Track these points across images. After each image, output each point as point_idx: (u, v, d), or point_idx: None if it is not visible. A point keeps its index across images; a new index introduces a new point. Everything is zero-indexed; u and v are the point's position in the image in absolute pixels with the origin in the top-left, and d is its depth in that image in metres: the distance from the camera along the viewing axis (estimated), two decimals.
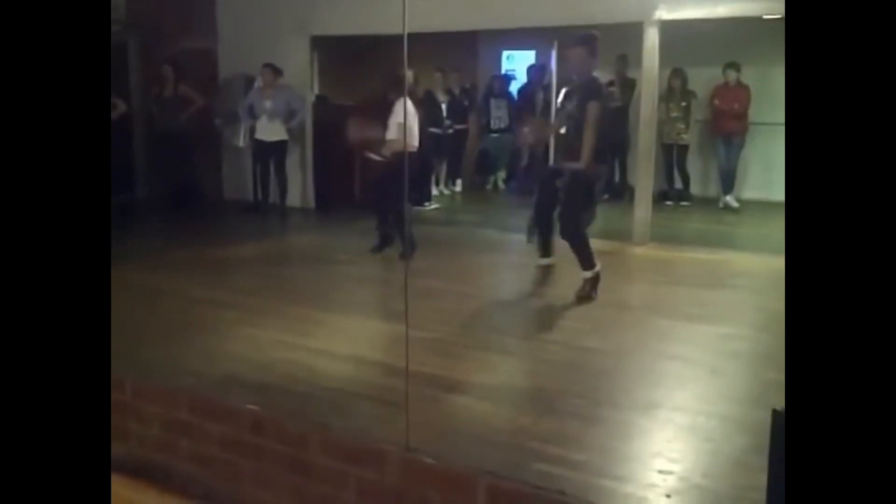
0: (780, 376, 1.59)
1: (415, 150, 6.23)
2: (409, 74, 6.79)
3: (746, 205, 8.73)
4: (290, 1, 8.19)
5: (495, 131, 10.20)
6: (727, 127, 8.71)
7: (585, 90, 4.99)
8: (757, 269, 5.89)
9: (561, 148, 5.26)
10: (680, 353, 4.02)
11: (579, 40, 5.00)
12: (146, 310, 4.70)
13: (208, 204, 8.78)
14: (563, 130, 5.20)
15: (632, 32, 6.66)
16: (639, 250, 6.61)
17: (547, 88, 9.89)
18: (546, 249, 5.52)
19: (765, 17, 6.56)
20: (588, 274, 4.98)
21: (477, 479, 2.69)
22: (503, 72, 11.24)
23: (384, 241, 6.24)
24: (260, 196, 8.34)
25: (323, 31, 8.35)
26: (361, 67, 9.34)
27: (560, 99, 5.34)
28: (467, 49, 11.01)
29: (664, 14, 6.48)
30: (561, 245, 5.23)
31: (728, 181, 8.82)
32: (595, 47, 5.02)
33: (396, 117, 6.02)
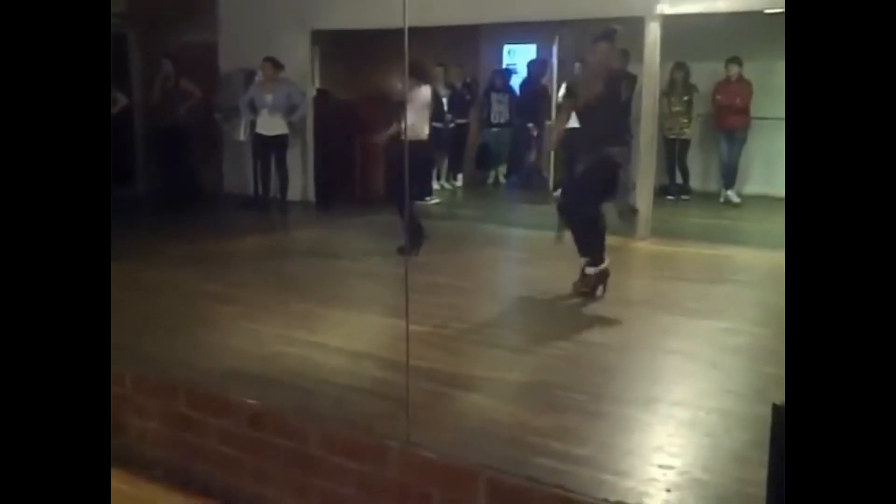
0: (781, 371, 1.58)
1: (426, 138, 6.23)
2: (439, 70, 6.89)
3: (748, 200, 8.72)
4: None
5: (495, 125, 10.19)
6: (729, 122, 8.69)
7: (611, 78, 4.95)
8: (758, 264, 5.88)
9: (583, 137, 5.09)
10: (681, 347, 4.02)
11: (603, 35, 4.99)
12: (146, 304, 4.70)
13: (208, 198, 8.78)
14: (573, 123, 5.20)
15: (633, 27, 6.64)
16: (639, 245, 6.61)
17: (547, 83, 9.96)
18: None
19: (766, 11, 6.55)
20: (592, 270, 4.86)
21: (477, 473, 2.69)
22: (504, 66, 11.23)
23: (416, 238, 6.24)
24: (260, 190, 8.33)
25: (324, 24, 8.33)
26: (362, 61, 9.32)
27: (562, 91, 5.31)
28: (469, 43, 10.99)
29: (666, 8, 6.47)
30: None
31: (729, 176, 8.81)
32: (612, 40, 5.01)
33: (418, 103, 5.99)
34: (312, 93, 8.84)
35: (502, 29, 10.05)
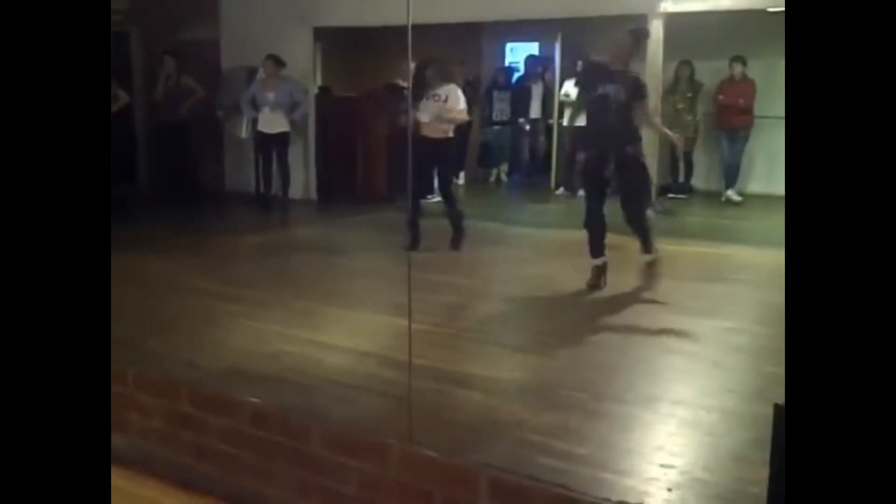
0: (782, 370, 1.58)
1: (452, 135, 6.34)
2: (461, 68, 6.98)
3: (750, 199, 8.71)
4: None
5: (497, 123, 10.18)
6: (731, 122, 8.66)
7: (629, 76, 4.98)
8: (759, 262, 5.87)
9: (602, 133, 5.05)
10: (682, 346, 4.01)
11: (629, 32, 5.08)
12: (147, 301, 4.70)
13: (210, 195, 8.77)
14: (583, 118, 5.23)
15: (637, 25, 6.63)
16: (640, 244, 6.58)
17: (549, 80, 9.96)
18: (599, 249, 5.12)
19: (769, 9, 6.54)
20: (649, 257, 5.09)
21: (479, 472, 2.69)
22: (507, 64, 11.22)
23: (458, 233, 6.30)
24: (262, 188, 8.33)
25: (326, 22, 8.33)
26: (364, 59, 9.33)
27: (572, 85, 5.32)
28: (471, 41, 10.99)
29: (669, 6, 6.46)
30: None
31: (731, 176, 8.79)
32: (640, 40, 5.17)
33: (454, 102, 6.13)
34: (314, 91, 8.84)
35: (505, 27, 10.05)
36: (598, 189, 5.09)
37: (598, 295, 4.94)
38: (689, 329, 4.30)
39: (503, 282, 5.72)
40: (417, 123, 6.07)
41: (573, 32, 8.66)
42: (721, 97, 8.65)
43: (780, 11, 1.66)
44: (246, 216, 8.06)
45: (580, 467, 2.72)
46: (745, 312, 4.63)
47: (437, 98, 6.12)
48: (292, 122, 8.19)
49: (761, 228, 7.29)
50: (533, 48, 11.09)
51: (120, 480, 2.96)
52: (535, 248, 6.69)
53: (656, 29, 6.55)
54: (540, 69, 10.29)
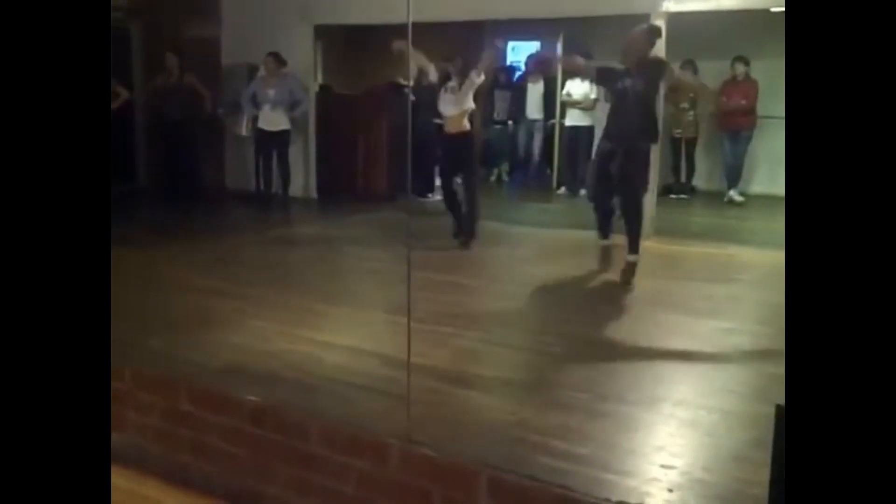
0: (783, 371, 1.57)
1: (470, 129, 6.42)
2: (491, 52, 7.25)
3: (753, 199, 8.70)
4: None
5: (498, 122, 10.17)
6: (734, 123, 8.64)
7: (649, 71, 5.13)
8: (761, 263, 5.86)
9: (618, 127, 5.23)
10: (683, 347, 4.00)
11: (643, 29, 5.28)
12: (146, 299, 4.69)
13: (210, 193, 8.76)
14: (590, 116, 5.35)
15: (638, 24, 6.61)
16: (642, 244, 6.57)
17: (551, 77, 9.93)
18: (605, 230, 5.65)
19: (772, 9, 6.53)
20: (633, 258, 5.12)
21: (479, 471, 2.68)
22: (509, 63, 11.21)
23: (469, 232, 6.29)
24: (262, 186, 8.32)
25: (327, 20, 8.32)
26: (365, 57, 9.31)
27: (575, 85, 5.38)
28: (473, 40, 10.96)
29: (671, 6, 6.44)
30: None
31: (733, 176, 8.77)
32: (654, 37, 5.33)
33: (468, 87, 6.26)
34: (315, 88, 8.82)
35: (506, 26, 10.03)
36: (605, 184, 5.28)
37: (598, 295, 4.93)
38: (690, 329, 4.29)
39: (504, 281, 5.71)
40: (443, 119, 6.26)
41: (575, 32, 8.64)
42: (724, 98, 8.63)
43: (783, 11, 1.65)
44: (245, 214, 8.05)
45: (581, 467, 2.71)
46: (747, 313, 4.63)
47: (452, 90, 6.23)
48: (293, 120, 8.18)
49: (763, 229, 7.28)
50: (535, 47, 11.07)
51: (118, 478, 2.95)
52: (535, 247, 6.68)
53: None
54: (541, 68, 10.27)
